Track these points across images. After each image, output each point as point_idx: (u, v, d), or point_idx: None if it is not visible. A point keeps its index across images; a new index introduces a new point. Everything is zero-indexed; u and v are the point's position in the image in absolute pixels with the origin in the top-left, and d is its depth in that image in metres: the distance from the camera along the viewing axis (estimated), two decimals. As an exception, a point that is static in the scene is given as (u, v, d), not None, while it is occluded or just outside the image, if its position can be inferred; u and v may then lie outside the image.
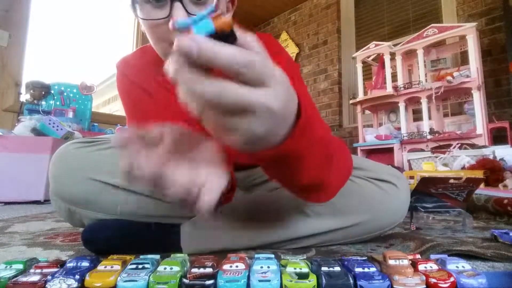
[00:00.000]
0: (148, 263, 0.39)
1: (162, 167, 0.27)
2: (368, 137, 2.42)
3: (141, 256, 0.42)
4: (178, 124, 0.32)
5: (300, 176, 0.35)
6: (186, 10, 0.46)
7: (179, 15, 0.46)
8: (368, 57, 2.55)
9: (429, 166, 1.63)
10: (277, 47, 0.62)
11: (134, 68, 0.60)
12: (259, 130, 0.23)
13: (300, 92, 0.28)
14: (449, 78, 2.00)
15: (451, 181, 0.76)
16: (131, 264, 0.39)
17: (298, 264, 0.38)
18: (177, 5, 0.46)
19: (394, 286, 0.34)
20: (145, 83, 0.58)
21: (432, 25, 2.15)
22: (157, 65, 0.59)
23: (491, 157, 1.57)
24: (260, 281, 0.34)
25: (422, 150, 2.11)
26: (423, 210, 0.78)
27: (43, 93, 2.13)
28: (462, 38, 2.09)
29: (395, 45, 2.39)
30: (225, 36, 0.21)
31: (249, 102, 0.21)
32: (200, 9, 0.48)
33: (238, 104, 0.21)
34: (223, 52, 0.20)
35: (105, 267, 0.38)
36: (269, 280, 0.34)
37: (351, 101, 2.60)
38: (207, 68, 0.21)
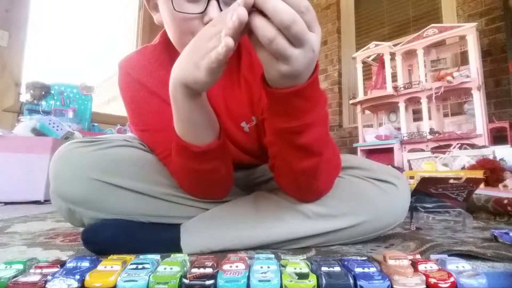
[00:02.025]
0: (148, 263, 0.39)
1: None
2: (368, 137, 2.42)
3: (141, 256, 0.43)
4: None
5: (307, 115, 0.43)
6: (220, 9, 0.47)
7: (215, 12, 0.47)
8: (368, 57, 2.55)
9: (429, 166, 1.63)
10: None
11: (138, 67, 0.60)
12: (289, 71, 0.36)
13: None
14: (449, 78, 2.00)
15: (451, 181, 0.76)
16: (131, 264, 0.39)
17: (298, 264, 0.38)
18: (214, 3, 0.47)
19: (394, 286, 0.34)
20: (150, 82, 0.58)
21: (432, 25, 2.16)
22: (161, 63, 0.59)
23: (491, 157, 1.57)
24: (260, 281, 0.34)
25: (422, 150, 2.11)
26: (423, 210, 0.78)
27: (43, 93, 2.13)
28: (462, 38, 2.09)
29: (395, 45, 2.39)
30: None
31: (287, 55, 0.34)
32: None
33: (281, 53, 0.34)
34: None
35: (105, 267, 0.38)
36: (269, 280, 0.34)
37: (351, 101, 2.60)
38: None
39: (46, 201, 1.57)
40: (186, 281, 0.34)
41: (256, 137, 0.62)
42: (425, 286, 0.34)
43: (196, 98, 0.44)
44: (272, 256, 0.42)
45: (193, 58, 0.39)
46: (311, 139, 0.45)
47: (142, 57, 0.61)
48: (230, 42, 0.34)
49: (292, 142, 0.45)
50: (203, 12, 0.47)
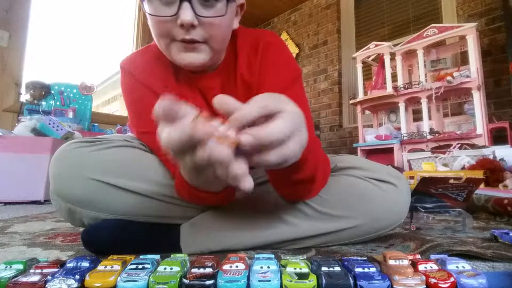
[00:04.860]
0: (148, 263, 0.39)
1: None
2: (368, 137, 2.42)
3: (141, 256, 0.43)
4: None
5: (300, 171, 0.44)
6: (194, 11, 0.47)
7: (187, 15, 0.46)
8: (368, 57, 2.55)
9: (429, 166, 1.63)
10: (275, 54, 0.59)
11: (141, 67, 0.60)
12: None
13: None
14: (449, 78, 2.00)
15: (451, 181, 0.76)
16: (131, 264, 0.39)
17: (298, 264, 0.38)
18: (186, 5, 0.46)
19: (394, 286, 0.34)
20: (153, 83, 0.58)
21: (432, 25, 2.15)
22: (163, 64, 0.59)
23: (491, 157, 1.57)
24: (260, 281, 0.34)
25: (422, 150, 2.11)
26: (423, 210, 0.78)
27: (43, 93, 2.13)
28: (462, 38, 2.09)
29: (395, 45, 2.39)
30: None
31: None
32: (208, 11, 0.49)
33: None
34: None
35: (105, 267, 0.38)
36: (269, 280, 0.34)
37: (351, 101, 2.60)
38: None
39: (46, 201, 1.57)
40: (186, 281, 0.34)
41: None
42: (425, 286, 0.34)
43: None
44: (272, 256, 0.42)
45: None
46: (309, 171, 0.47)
47: (145, 57, 0.61)
48: None
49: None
50: (176, 15, 0.47)
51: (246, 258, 0.41)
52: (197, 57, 0.51)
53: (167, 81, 0.58)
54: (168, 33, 0.50)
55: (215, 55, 0.54)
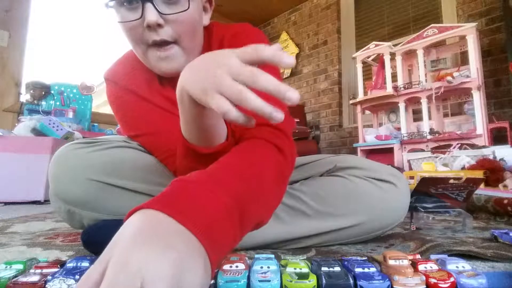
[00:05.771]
0: (148, 263, 0.39)
1: None
2: (368, 137, 2.42)
3: (141, 256, 0.42)
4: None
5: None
6: (158, 10, 0.47)
7: (151, 15, 0.47)
8: (368, 57, 2.54)
9: (429, 166, 1.63)
10: (241, 39, 0.57)
11: (123, 74, 0.60)
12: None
13: None
14: (449, 78, 2.00)
15: (451, 181, 0.76)
16: (131, 264, 0.39)
17: (298, 264, 0.38)
18: (149, 5, 0.47)
19: (394, 286, 0.34)
20: (136, 87, 0.59)
21: (432, 25, 2.15)
22: (144, 68, 0.59)
23: (491, 157, 1.56)
24: (260, 281, 0.34)
25: (422, 150, 2.11)
26: (423, 210, 0.78)
27: (43, 93, 2.13)
28: (462, 38, 2.09)
29: (395, 45, 2.39)
30: None
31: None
32: (172, 8, 0.49)
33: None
34: None
35: (105, 267, 0.38)
36: (269, 280, 0.34)
37: (351, 101, 2.60)
38: None
39: (46, 201, 1.57)
40: (186, 281, 0.34)
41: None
42: (425, 286, 0.34)
43: (204, 107, 0.37)
44: (272, 256, 0.42)
45: (205, 83, 0.32)
46: None
47: (126, 65, 0.61)
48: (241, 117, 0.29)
49: None
50: (142, 17, 0.48)
51: (246, 258, 0.41)
52: (172, 66, 0.52)
53: (151, 84, 0.58)
54: (140, 38, 0.50)
55: (189, 56, 0.53)
